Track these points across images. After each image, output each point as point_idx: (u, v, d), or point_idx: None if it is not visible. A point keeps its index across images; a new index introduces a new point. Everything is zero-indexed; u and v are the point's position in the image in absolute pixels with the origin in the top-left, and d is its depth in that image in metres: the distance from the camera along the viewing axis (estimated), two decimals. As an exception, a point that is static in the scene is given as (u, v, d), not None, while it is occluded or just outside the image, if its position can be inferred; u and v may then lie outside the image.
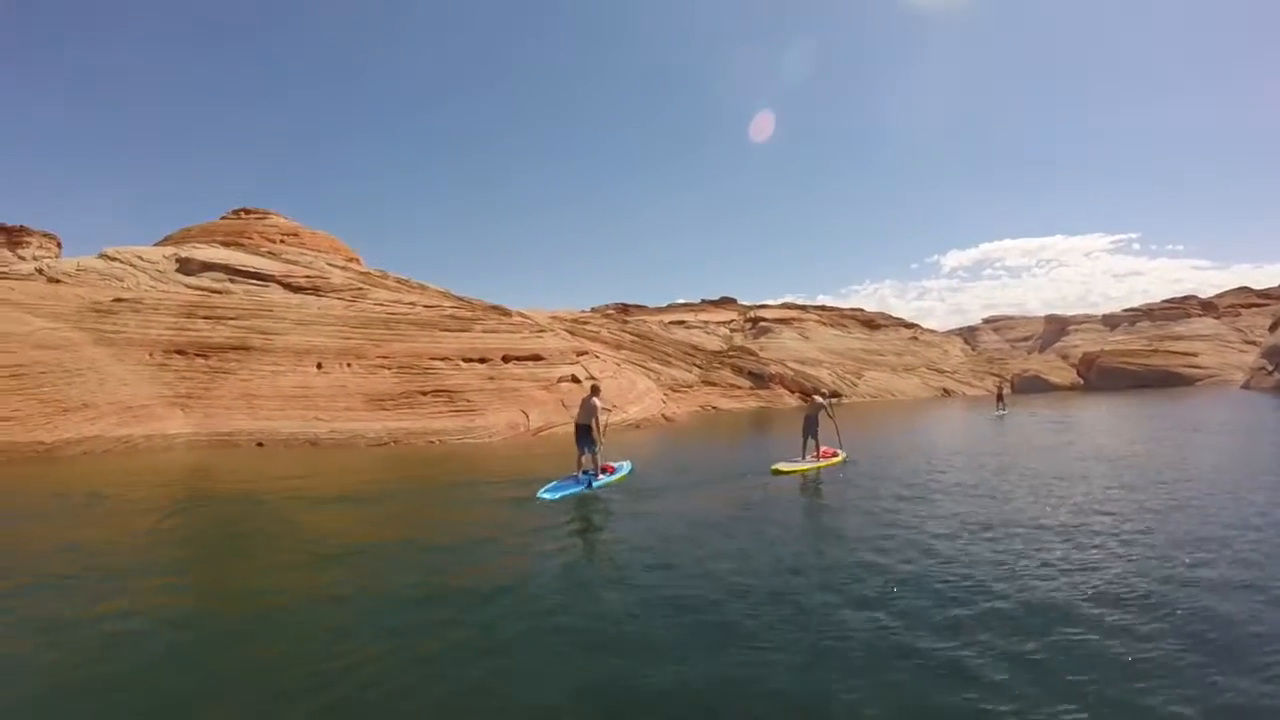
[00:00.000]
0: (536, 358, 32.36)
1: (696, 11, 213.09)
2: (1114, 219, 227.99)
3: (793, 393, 59.31)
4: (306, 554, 8.98)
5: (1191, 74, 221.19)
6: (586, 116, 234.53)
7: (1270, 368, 53.89)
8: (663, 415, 36.35)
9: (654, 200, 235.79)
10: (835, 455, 16.49)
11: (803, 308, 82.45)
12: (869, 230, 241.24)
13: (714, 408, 52.60)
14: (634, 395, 34.64)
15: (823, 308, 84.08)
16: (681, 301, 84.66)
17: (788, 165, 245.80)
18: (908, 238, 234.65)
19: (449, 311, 33.91)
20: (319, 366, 27.89)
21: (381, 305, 32.69)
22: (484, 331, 32.83)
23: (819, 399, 17.53)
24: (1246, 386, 56.00)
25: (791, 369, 62.56)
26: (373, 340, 29.67)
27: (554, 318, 55.75)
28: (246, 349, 27.54)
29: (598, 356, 38.77)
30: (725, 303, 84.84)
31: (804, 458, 15.89)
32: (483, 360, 30.67)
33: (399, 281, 37.44)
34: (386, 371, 28.33)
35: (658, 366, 55.61)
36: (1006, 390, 49.51)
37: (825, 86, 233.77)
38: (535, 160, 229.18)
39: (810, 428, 16.21)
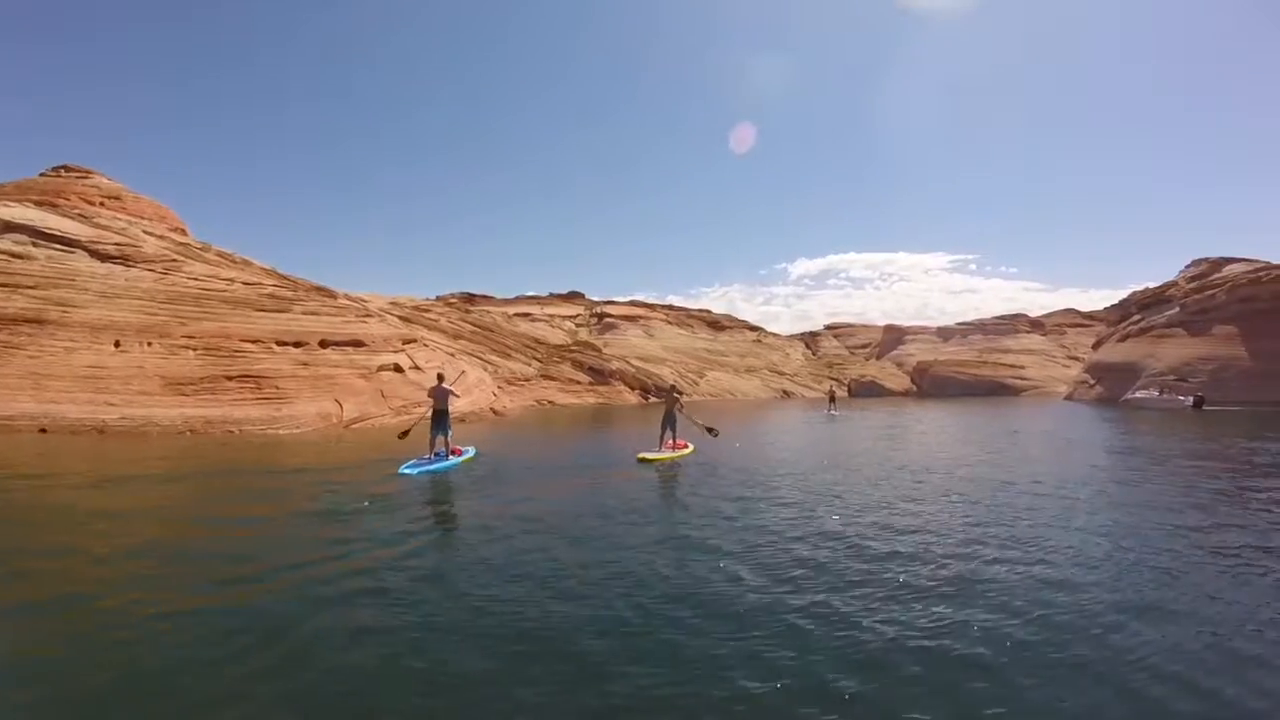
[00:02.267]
0: (357, 344, 31.99)
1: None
2: (955, 240, 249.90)
3: (633, 390, 61.48)
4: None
5: (1017, 117, 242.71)
6: (451, 106, 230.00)
7: (1092, 381, 61.18)
8: (492, 409, 37.00)
9: (511, 191, 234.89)
10: (686, 447, 18.48)
11: (650, 306, 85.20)
12: (723, 235, 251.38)
13: (550, 402, 53.69)
14: (462, 387, 35.16)
15: (670, 307, 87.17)
16: (530, 294, 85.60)
17: (650, 166, 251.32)
18: (759, 245, 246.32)
19: (269, 290, 32.78)
20: (117, 345, 26.36)
21: (196, 280, 31.03)
22: (304, 313, 32.12)
23: (676, 394, 19.43)
24: (1069, 398, 63.31)
25: (634, 366, 64.72)
26: (180, 318, 28.35)
27: (393, 303, 55.39)
28: (40, 322, 25.82)
29: (426, 345, 38.89)
30: (573, 297, 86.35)
31: (660, 448, 17.84)
32: (298, 344, 29.97)
33: (220, 255, 35.11)
34: (190, 353, 27.13)
35: (496, 359, 56.33)
36: (842, 394, 53.54)
37: (690, 89, 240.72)
38: (394, 149, 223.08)
39: (669, 421, 18.31)
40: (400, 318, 46.81)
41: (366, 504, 11.14)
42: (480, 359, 52.60)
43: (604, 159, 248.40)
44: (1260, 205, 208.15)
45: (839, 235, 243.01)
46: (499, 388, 44.42)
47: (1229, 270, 59.36)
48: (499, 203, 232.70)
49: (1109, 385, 57.35)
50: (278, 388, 27.22)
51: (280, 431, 25.17)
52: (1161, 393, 49.67)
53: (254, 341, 29.02)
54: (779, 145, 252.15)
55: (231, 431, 24.45)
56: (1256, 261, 59.04)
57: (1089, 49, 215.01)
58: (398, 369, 32.16)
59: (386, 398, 29.72)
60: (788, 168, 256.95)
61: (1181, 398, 46.79)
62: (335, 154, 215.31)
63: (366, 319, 35.34)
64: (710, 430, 19.85)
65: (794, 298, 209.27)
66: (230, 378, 26.75)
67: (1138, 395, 51.76)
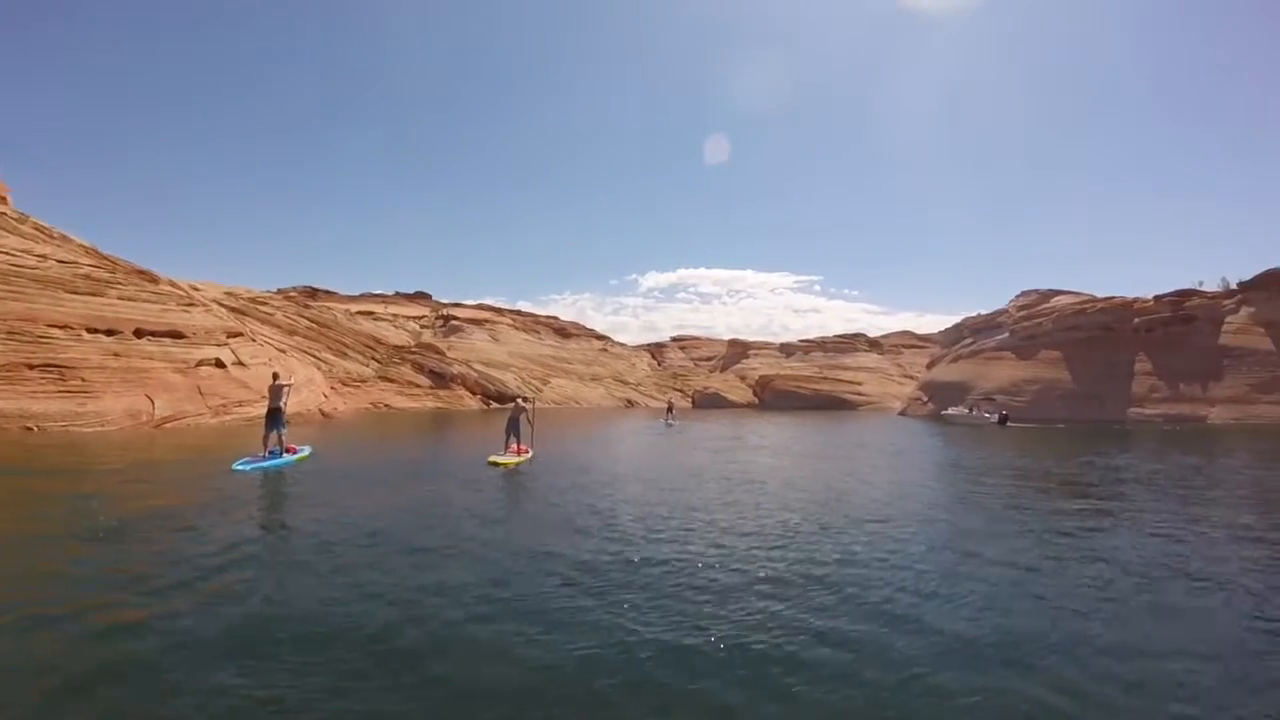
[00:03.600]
0: (176, 335, 30.65)
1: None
2: (802, 262, 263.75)
3: (475, 395, 61.56)
4: None
5: (861, 150, 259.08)
6: (308, 90, 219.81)
7: (925, 398, 66.07)
8: (321, 410, 36.36)
9: (363, 186, 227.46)
10: (527, 452, 19.53)
11: (498, 310, 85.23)
12: (578, 243, 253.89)
13: (386, 405, 52.97)
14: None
15: (519, 312, 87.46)
16: (377, 292, 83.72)
17: (508, 168, 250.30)
18: (613, 255, 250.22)
19: (84, 270, 30.50)
20: (-104, 324, 24.23)
21: (6, 255, 28.28)
22: (120, 298, 30.28)
23: (522, 403, 20.57)
24: (903, 413, 67.70)
25: (477, 370, 64.66)
26: (-21, 296, 25.96)
27: (228, 294, 53.23)
28: None
29: (254, 340, 37.67)
30: (420, 297, 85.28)
31: (505, 452, 18.86)
32: (110, 332, 28.22)
33: (38, 229, 31.76)
34: (-12, 337, 24.91)
35: (331, 357, 55.16)
36: (685, 404, 55.57)
37: (555, 101, 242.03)
38: (242, 134, 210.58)
39: (513, 427, 19.42)
40: (232, 309, 45.08)
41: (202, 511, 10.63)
42: (314, 357, 51.47)
43: (461, 157, 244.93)
44: (1083, 243, 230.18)
45: (691, 251, 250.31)
46: (331, 388, 43.69)
47: (1056, 301, 65.52)
48: (350, 196, 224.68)
49: (940, 402, 61.95)
50: (83, 380, 25.62)
51: (84, 429, 23.81)
52: (971, 410, 55.00)
53: (62, 327, 27.05)
54: (638, 160, 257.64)
55: (30, 428, 22.92)
56: (1081, 294, 65.67)
57: (918, 101, 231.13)
58: (219, 364, 31.12)
59: (205, 395, 28.69)
60: (645, 182, 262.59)
61: (988, 414, 52.03)
62: (185, 132, 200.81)
63: (190, 308, 33.79)
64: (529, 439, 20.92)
65: (643, 309, 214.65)
66: (32, 366, 24.91)
67: (950, 412, 56.97)
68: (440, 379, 60.64)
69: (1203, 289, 59.94)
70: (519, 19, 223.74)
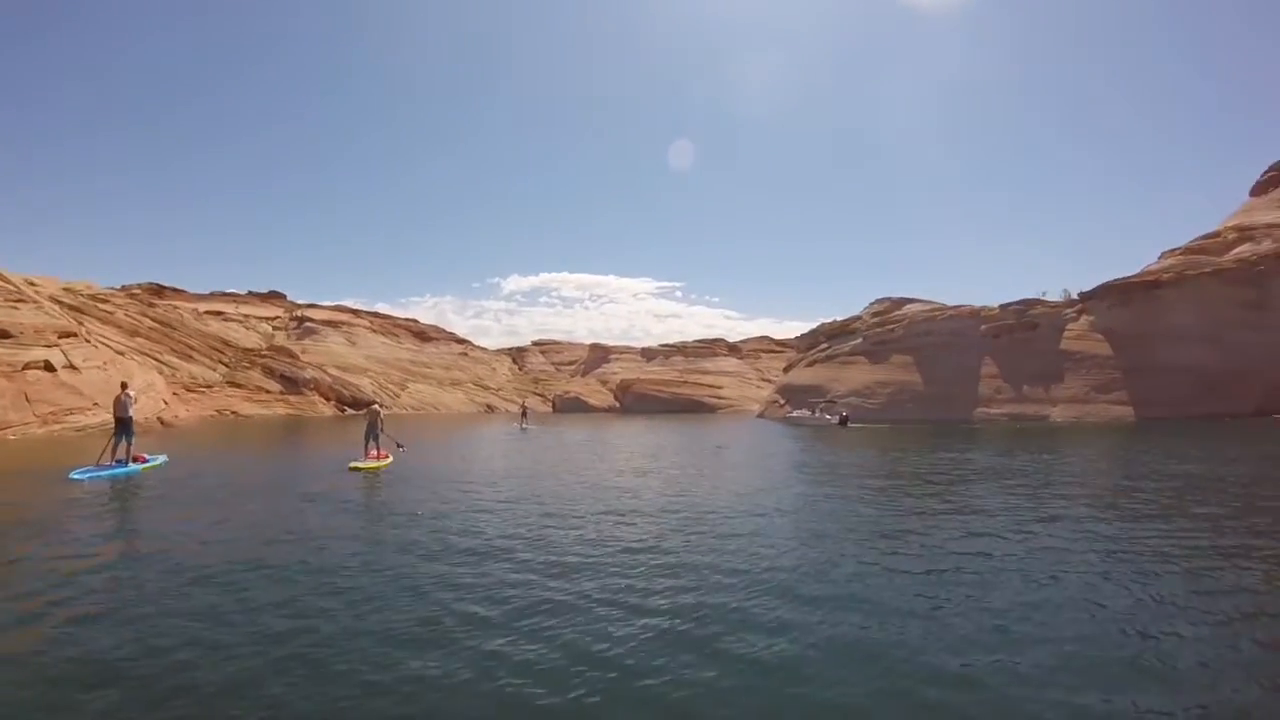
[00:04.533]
0: (1, 334, 28.79)
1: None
2: (664, 268, 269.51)
3: (329, 401, 60.60)
4: None
5: (726, 163, 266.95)
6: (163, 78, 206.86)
7: (782, 401, 68.52)
8: (160, 419, 34.92)
9: (214, 178, 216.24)
10: (387, 457, 20.10)
11: (355, 312, 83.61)
12: (439, 244, 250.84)
13: (234, 413, 50.94)
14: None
15: (377, 314, 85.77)
16: (229, 291, 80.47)
17: (371, 167, 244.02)
18: (475, 257, 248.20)
19: None
20: None
21: None
22: None
23: (378, 408, 21.03)
24: (761, 415, 70.47)
25: (331, 375, 63.41)
26: None
27: (66, 289, 50.13)
28: None
29: (89, 340, 35.92)
30: (274, 297, 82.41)
31: (364, 458, 19.32)
32: None
33: None
34: None
35: (176, 361, 52.80)
36: (546, 409, 56.47)
37: (417, 99, 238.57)
38: (92, 126, 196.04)
39: (372, 432, 19.93)
40: (69, 307, 42.69)
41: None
42: (156, 360, 49.35)
43: (321, 152, 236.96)
44: (936, 251, 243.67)
45: (553, 255, 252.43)
46: (174, 394, 42.32)
47: (908, 309, 68.58)
48: (205, 189, 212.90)
49: (796, 405, 64.50)
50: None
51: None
52: (815, 412, 58.31)
53: None
54: (502, 161, 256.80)
55: None
56: (932, 302, 69.19)
57: (772, 108, 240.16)
58: (49, 367, 29.21)
59: (32, 402, 27.16)
60: (508, 183, 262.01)
61: (830, 416, 55.40)
62: (30, 124, 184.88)
63: (18, 304, 31.92)
64: (399, 445, 21.13)
65: (505, 313, 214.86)
66: None
67: (796, 414, 60.21)
68: (292, 384, 59.09)
69: (1046, 298, 63.68)
70: (377, 16, 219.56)
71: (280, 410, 55.91)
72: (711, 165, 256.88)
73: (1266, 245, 52.87)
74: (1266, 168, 63.20)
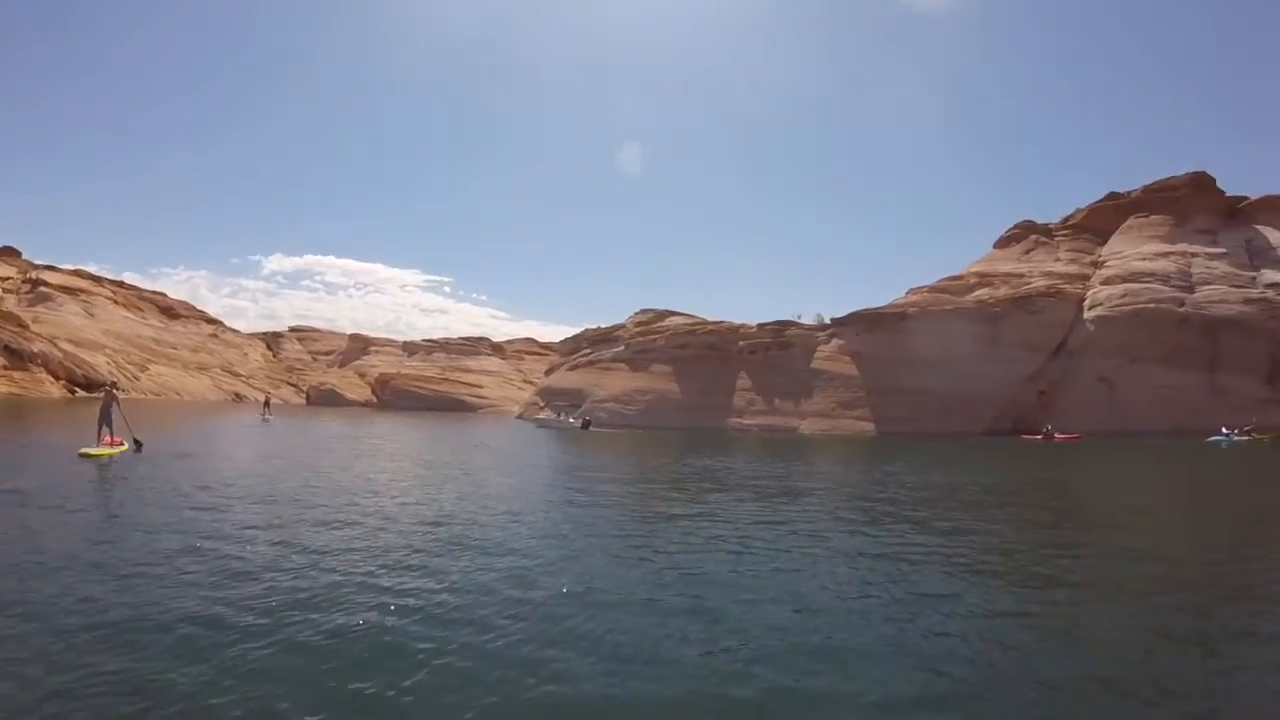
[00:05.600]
0: None
1: None
2: (435, 261, 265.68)
3: (58, 379, 56.26)
4: None
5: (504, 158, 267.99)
6: None
7: (542, 404, 70.89)
8: None
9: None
10: (121, 444, 19.44)
11: (97, 279, 77.38)
12: (195, 212, 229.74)
13: (-68, 391, 46.05)
14: None
15: (121, 284, 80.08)
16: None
17: (123, 107, 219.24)
18: (235, 230, 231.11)
19: None
20: None
21: None
22: None
23: (114, 390, 20.72)
24: (520, 417, 72.43)
25: (63, 350, 58.88)
26: None
27: None
28: None
29: None
30: (7, 254, 74.91)
31: (98, 443, 18.78)
32: None
33: None
34: None
35: None
36: (300, 401, 55.91)
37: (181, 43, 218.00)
38: None
39: (105, 417, 19.28)
40: None
41: None
42: None
43: (66, 84, 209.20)
44: (700, 268, 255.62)
45: (321, 236, 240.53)
46: None
47: (670, 321, 72.72)
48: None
49: (556, 407, 66.55)
50: None
51: None
52: (559, 415, 61.46)
53: None
54: (279, 132, 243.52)
55: None
56: (693, 316, 73.82)
57: (543, 113, 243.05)
58: None
59: None
60: (284, 157, 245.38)
61: (573, 420, 58.43)
62: None
63: None
64: (138, 443, 19.89)
65: (264, 294, 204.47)
66: None
67: (542, 417, 63.59)
68: (17, 358, 54.34)
69: (800, 321, 67.43)
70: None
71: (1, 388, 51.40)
72: (495, 161, 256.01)
73: (1003, 291, 58.72)
74: (1011, 225, 71.19)
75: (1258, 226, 60.44)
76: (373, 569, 8.54)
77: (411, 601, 7.28)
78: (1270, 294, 54.02)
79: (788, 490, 18.18)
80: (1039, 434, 47.07)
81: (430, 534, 10.82)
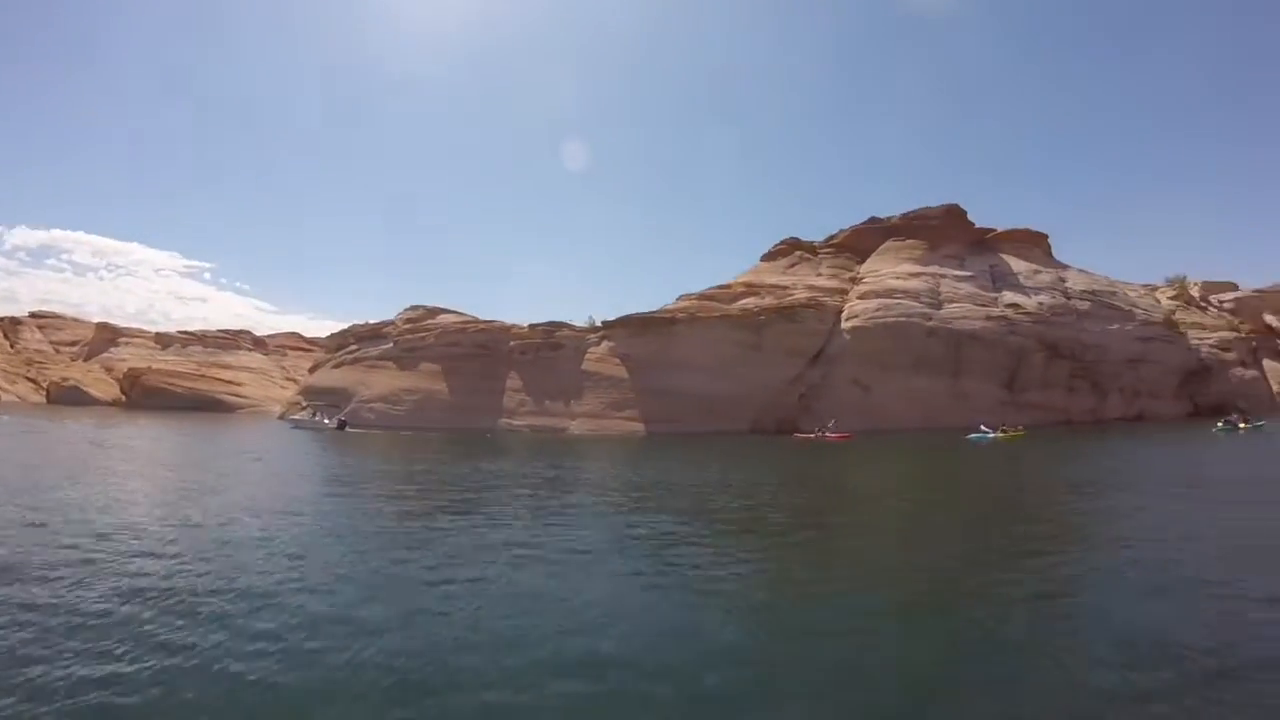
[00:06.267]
0: None
1: None
2: (195, 244, 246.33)
3: None
4: None
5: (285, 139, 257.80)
6: None
7: (305, 403, 67.59)
8: None
9: None
10: None
11: None
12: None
13: None
14: None
15: None
16: None
17: None
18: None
19: None
20: None
21: None
22: None
23: None
24: (282, 417, 68.79)
25: None
26: None
27: None
28: None
29: None
30: None
31: None
32: None
33: None
34: None
35: None
36: (39, 399, 49.52)
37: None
38: None
39: None
40: None
41: None
42: None
43: None
44: (474, 267, 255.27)
45: (70, 207, 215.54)
46: None
47: (441, 319, 71.26)
48: None
49: (313, 407, 64.23)
50: None
51: None
52: (315, 416, 59.55)
53: None
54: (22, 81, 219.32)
55: None
56: (464, 314, 72.61)
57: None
58: None
59: None
60: (29, 112, 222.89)
61: (327, 421, 56.56)
62: None
63: None
64: None
65: (4, 272, 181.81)
66: None
67: (298, 417, 61.19)
68: None
69: (572, 323, 67.84)
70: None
71: None
72: (268, 140, 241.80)
73: (768, 300, 60.91)
74: (778, 241, 73.81)
75: (1001, 255, 66.56)
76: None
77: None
78: (1009, 312, 59.00)
79: (557, 487, 19.00)
80: (812, 433, 48.55)
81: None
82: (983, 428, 44.72)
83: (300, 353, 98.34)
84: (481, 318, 70.99)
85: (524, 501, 15.76)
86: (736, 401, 56.72)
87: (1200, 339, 65.80)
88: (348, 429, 53.35)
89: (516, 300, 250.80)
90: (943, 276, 62.16)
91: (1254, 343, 69.29)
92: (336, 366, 70.58)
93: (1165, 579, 9.71)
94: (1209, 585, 9.39)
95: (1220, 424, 45.17)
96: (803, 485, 21.44)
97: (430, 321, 70.59)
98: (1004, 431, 44.39)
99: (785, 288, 63.79)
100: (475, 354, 65.21)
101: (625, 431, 56.41)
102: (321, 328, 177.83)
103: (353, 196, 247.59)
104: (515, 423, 60.08)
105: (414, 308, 74.96)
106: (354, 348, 71.82)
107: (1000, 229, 69.84)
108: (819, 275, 66.85)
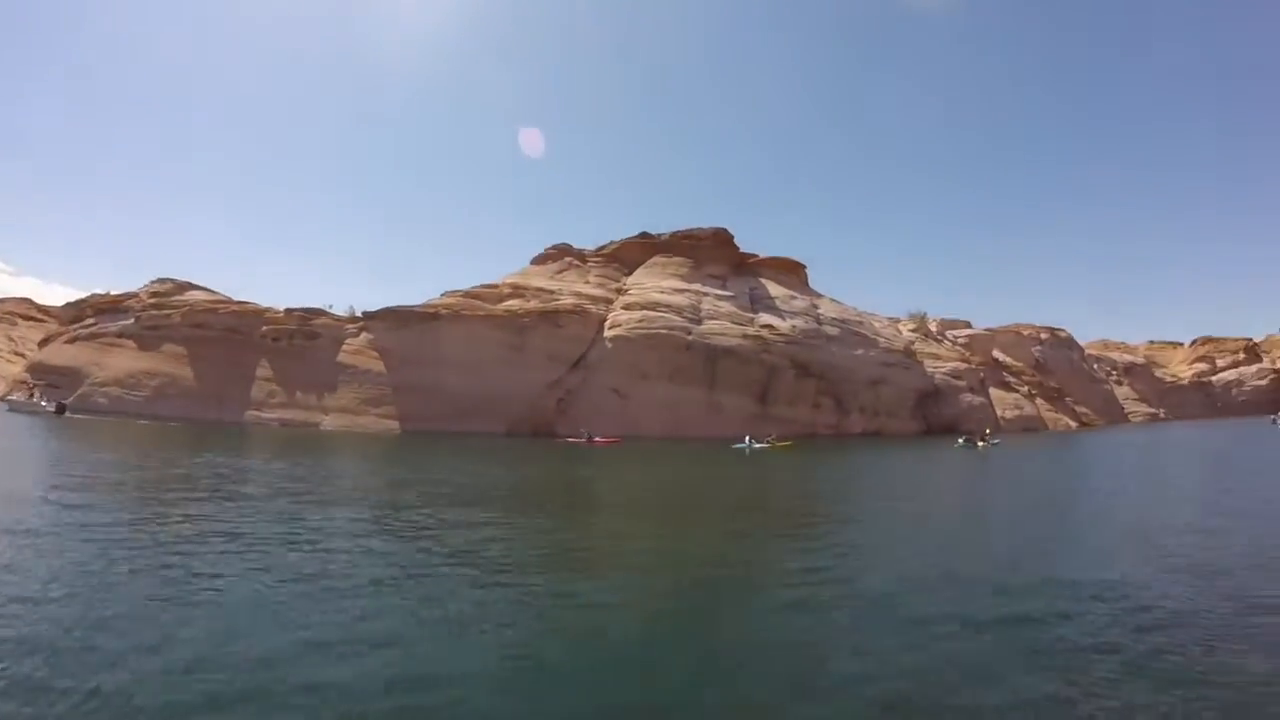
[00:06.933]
0: None
1: None
2: None
3: None
4: None
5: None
6: None
7: (33, 382, 61.17)
8: None
9: None
10: None
11: None
12: None
13: None
14: None
15: None
16: None
17: None
18: None
19: None
20: None
21: None
22: None
23: None
24: (6, 399, 62.51)
25: None
26: None
27: None
28: None
29: None
30: None
31: None
32: None
33: None
34: None
35: None
36: None
37: None
38: None
39: None
40: None
41: None
42: None
43: None
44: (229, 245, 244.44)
45: None
46: None
47: (190, 295, 65.84)
48: None
49: (32, 387, 59.08)
50: None
51: None
52: (31, 397, 55.23)
53: None
54: None
55: None
56: (217, 293, 67.44)
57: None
58: None
59: None
60: None
61: (45, 404, 51.81)
62: None
63: None
64: None
65: None
66: None
67: (14, 398, 56.77)
68: None
69: (331, 311, 64.23)
70: None
71: None
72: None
73: (533, 304, 60.80)
74: (549, 245, 74.22)
75: (762, 279, 70.09)
76: None
77: None
78: (764, 332, 62.01)
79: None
80: (580, 437, 49.09)
81: None
82: (749, 437, 47.10)
83: (33, 323, 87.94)
84: (236, 297, 66.19)
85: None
86: (495, 403, 56.25)
87: (935, 367, 71.75)
88: (69, 414, 48.63)
89: (280, 286, 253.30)
90: (705, 294, 64.58)
91: (982, 373, 76.45)
92: (70, 342, 63.84)
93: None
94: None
95: (961, 440, 50.63)
96: (613, 488, 23.66)
97: (179, 298, 64.77)
98: (769, 442, 46.53)
99: (552, 292, 64.28)
100: (224, 337, 60.26)
101: (379, 429, 54.99)
102: (59, 294, 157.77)
103: (99, 143, 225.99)
104: (264, 415, 56.64)
105: (162, 280, 68.50)
106: (91, 321, 65.18)
107: (763, 255, 73.61)
108: (587, 283, 67.89)
